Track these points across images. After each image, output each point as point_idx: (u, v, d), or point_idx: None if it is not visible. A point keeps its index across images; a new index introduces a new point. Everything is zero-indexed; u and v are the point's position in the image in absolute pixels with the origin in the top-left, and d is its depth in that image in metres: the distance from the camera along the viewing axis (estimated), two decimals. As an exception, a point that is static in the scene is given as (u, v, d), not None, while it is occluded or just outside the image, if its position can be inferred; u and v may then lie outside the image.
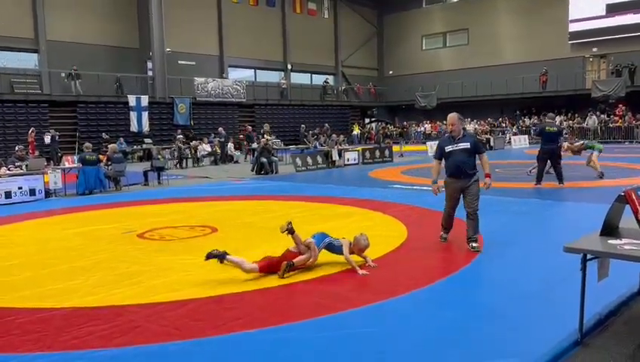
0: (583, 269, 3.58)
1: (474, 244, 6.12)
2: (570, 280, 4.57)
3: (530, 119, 33.06)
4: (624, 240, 3.59)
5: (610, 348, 3.56)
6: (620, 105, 29.71)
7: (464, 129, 6.46)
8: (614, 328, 3.90)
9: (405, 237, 7.11)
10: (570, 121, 31.06)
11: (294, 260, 5.45)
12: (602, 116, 29.99)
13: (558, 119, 31.64)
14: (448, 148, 6.33)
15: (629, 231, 3.75)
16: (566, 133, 11.76)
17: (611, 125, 28.93)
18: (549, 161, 11.76)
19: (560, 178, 11.55)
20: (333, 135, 22.49)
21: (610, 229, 3.81)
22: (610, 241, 3.61)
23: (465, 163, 6.21)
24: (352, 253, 5.67)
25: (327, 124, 32.27)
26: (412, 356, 3.51)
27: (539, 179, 11.75)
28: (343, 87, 38.26)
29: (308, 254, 5.56)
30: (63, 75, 25.39)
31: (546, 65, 32.79)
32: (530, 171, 13.53)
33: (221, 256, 5.50)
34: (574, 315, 3.66)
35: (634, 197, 3.67)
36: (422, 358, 3.46)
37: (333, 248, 5.77)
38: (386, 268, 5.64)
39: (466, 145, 6.21)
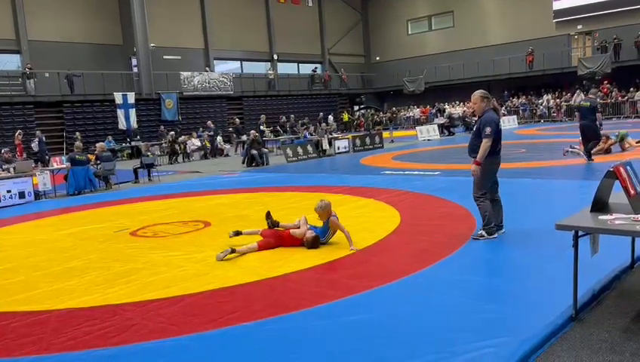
0: (575, 246, 3.60)
1: (477, 232, 5.89)
2: (563, 257, 4.61)
3: (518, 99, 33.18)
4: (614, 216, 3.61)
5: (605, 322, 3.59)
6: (605, 82, 29.86)
7: (495, 110, 5.85)
8: (608, 302, 3.94)
9: (399, 222, 7.13)
10: (558, 100, 31.20)
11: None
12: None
13: (545, 97, 31.92)
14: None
15: (619, 206, 3.78)
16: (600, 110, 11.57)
17: (600, 101, 29.04)
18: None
19: (589, 155, 11.59)
20: (323, 124, 22.46)
21: (600, 205, 3.83)
22: (600, 217, 3.64)
23: (469, 145, 5.94)
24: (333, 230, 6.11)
25: (322, 113, 32.19)
26: (411, 339, 3.53)
27: (588, 156, 11.64)
28: (329, 75, 38.04)
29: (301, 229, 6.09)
30: (47, 75, 25.06)
31: (531, 44, 32.83)
32: (566, 152, 13.42)
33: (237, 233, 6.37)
34: (569, 292, 3.69)
35: (623, 173, 3.68)
36: (421, 341, 3.48)
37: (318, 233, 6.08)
38: (382, 253, 5.66)
39: (475, 127, 5.90)
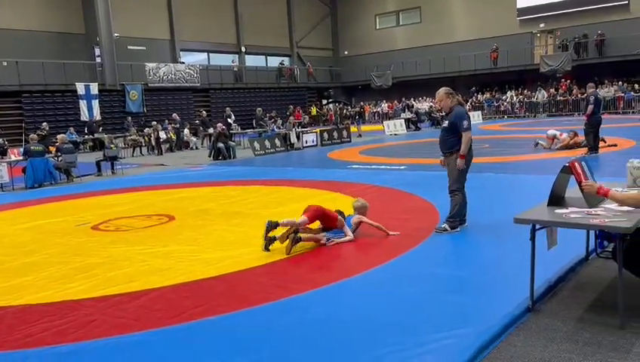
0: (532, 239, 3.71)
1: (440, 225, 6.04)
2: (522, 249, 4.73)
3: (482, 95, 33.80)
4: (570, 209, 3.72)
5: (560, 312, 3.71)
6: (563, 80, 30.71)
7: (460, 104, 6.04)
8: (563, 293, 4.07)
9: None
10: (521, 96, 31.93)
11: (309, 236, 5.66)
12: (551, 90, 30.96)
13: (509, 94, 32.65)
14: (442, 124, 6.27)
15: (574, 200, 3.90)
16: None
17: (560, 98, 29.87)
18: None
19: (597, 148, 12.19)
20: (290, 117, 22.39)
21: (556, 199, 3.94)
22: (557, 211, 3.74)
23: (441, 141, 6.07)
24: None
25: (291, 106, 32.03)
26: (374, 331, 3.57)
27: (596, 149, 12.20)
28: (297, 70, 37.87)
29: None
30: (5, 63, 24.18)
31: (496, 41, 33.46)
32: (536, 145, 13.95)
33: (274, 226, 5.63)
34: (526, 283, 3.80)
35: (578, 168, 3.80)
36: (383, 333, 3.52)
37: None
38: (347, 247, 5.69)
39: (445, 123, 6.02)
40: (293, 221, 5.72)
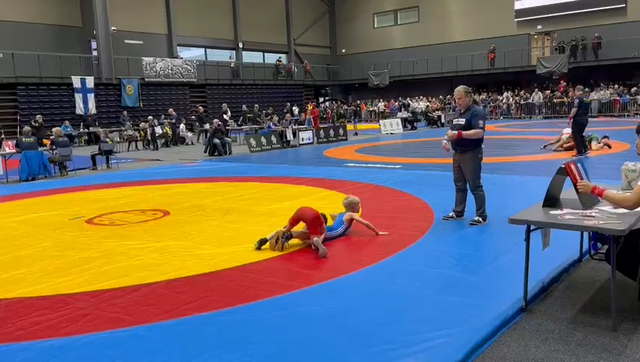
0: (527, 239, 3.72)
1: (474, 218, 6.22)
2: (516, 249, 4.75)
3: (479, 95, 33.87)
4: (565, 211, 3.73)
5: (553, 313, 3.73)
6: (561, 82, 30.80)
7: (475, 102, 6.15)
8: (556, 294, 4.09)
9: (359, 214, 7.15)
10: (517, 97, 32.00)
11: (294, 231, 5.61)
12: (547, 92, 31.04)
13: (505, 95, 32.72)
14: (453, 121, 6.30)
15: (570, 202, 3.91)
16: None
17: (555, 100, 29.96)
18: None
19: (586, 148, 12.47)
20: (287, 114, 22.36)
21: (552, 200, 3.96)
22: (552, 212, 3.75)
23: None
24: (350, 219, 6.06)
25: (288, 104, 31.96)
26: (367, 330, 3.57)
27: (586, 149, 12.45)
28: (294, 66, 37.80)
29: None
30: (1, 55, 24.03)
31: (493, 42, 33.52)
32: (545, 146, 14.17)
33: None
34: (520, 283, 3.81)
35: (573, 170, 3.81)
36: (376, 331, 3.52)
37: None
38: (342, 244, 5.69)
39: (462, 121, 6.06)
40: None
